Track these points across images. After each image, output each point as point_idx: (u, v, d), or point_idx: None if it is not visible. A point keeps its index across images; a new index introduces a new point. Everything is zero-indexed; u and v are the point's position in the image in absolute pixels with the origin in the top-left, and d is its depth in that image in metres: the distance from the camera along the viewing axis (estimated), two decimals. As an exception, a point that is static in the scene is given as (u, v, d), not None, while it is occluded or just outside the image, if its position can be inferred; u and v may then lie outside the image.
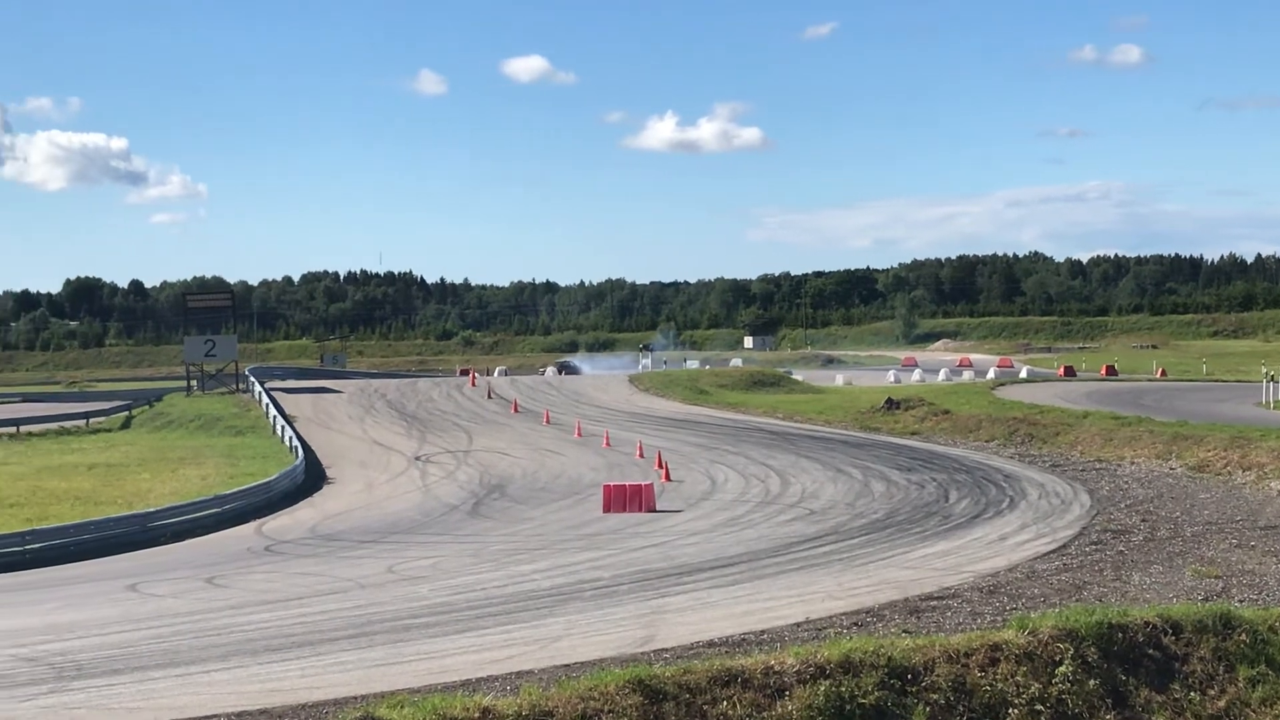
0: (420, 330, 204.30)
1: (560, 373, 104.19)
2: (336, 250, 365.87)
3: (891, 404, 61.36)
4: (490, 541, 32.29)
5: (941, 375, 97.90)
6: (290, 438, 55.76)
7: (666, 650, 19.11)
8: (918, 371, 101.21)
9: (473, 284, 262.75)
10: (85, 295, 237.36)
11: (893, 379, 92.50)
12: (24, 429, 69.29)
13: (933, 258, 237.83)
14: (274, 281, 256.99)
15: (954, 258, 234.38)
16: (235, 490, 41.88)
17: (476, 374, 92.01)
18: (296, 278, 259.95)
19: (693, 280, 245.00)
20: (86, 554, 34.23)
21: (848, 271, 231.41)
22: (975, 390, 73.22)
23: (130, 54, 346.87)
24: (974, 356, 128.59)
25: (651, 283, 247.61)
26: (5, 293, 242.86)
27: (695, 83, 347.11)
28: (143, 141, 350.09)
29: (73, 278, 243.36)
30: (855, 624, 20.60)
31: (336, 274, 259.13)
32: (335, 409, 69.84)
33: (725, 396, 76.13)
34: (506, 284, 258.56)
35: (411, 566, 28.47)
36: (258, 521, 38.97)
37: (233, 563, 30.86)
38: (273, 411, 65.17)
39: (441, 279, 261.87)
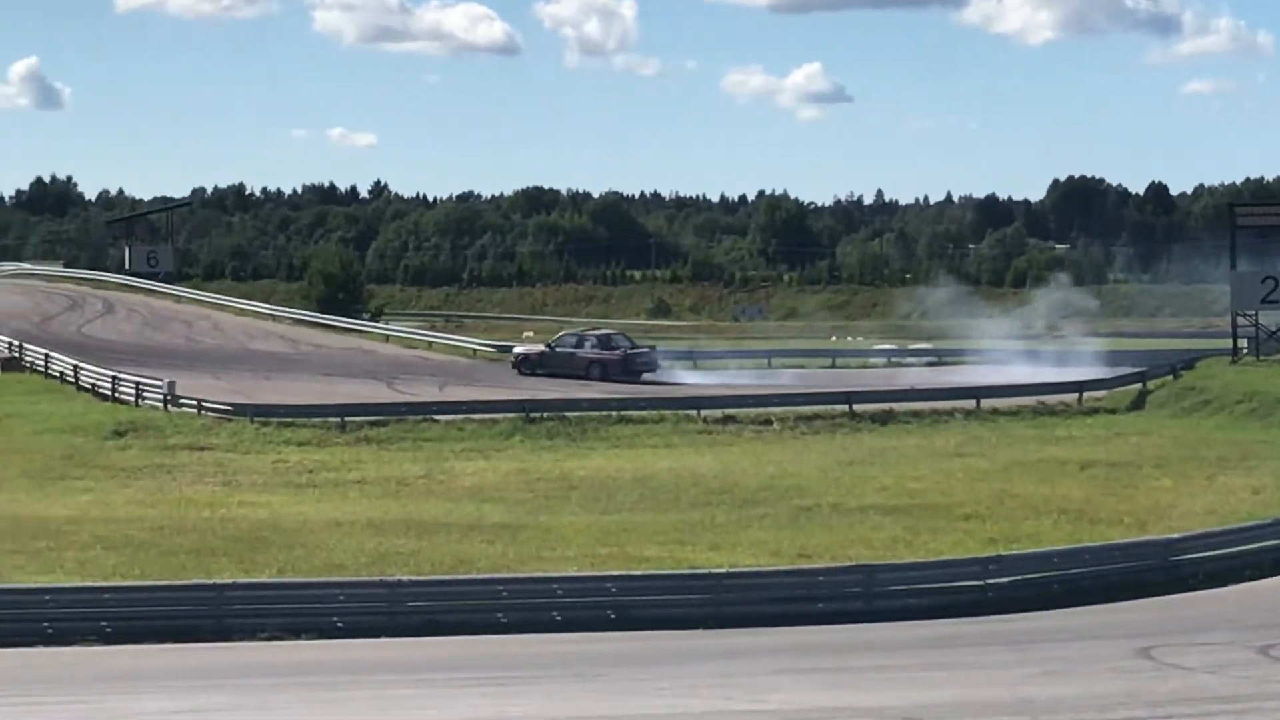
0: None
1: None
2: None
3: None
4: None
5: None
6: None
7: None
8: None
9: None
10: (1078, 203, 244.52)
11: None
12: (986, 403, 71.24)
13: None
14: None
15: None
16: (1310, 515, 41.53)
17: None
18: None
19: None
20: (1075, 597, 35.14)
21: None
22: None
23: None
24: None
25: None
26: (963, 199, 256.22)
27: None
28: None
29: (1061, 178, 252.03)
30: None
31: None
32: None
33: None
34: None
35: None
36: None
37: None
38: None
39: None
